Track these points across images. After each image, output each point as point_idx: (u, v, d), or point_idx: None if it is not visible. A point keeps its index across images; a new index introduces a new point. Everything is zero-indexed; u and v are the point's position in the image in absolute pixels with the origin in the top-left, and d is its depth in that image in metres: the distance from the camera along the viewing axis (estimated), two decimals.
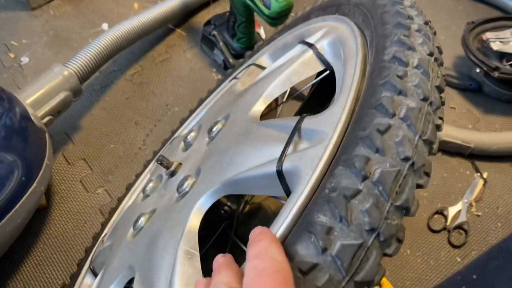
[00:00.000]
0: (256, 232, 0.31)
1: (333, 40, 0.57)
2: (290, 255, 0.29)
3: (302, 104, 0.81)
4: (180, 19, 1.29)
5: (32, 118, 0.78)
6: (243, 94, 0.65)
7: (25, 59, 1.15)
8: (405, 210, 0.32)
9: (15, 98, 0.78)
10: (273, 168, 0.39)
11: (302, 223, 0.31)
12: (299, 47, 0.63)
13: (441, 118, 0.39)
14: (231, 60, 1.10)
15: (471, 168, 0.98)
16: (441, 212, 0.90)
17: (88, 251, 0.75)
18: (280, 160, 0.39)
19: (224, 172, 0.47)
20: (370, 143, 0.33)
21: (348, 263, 0.29)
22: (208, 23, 1.16)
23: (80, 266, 0.72)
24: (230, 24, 1.06)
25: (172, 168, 0.62)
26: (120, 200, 0.80)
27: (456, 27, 1.30)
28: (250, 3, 0.93)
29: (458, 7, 1.39)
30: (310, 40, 0.61)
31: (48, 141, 0.79)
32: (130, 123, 1.04)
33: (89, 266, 0.69)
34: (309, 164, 0.36)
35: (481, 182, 0.95)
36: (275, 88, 0.58)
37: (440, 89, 0.40)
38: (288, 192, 0.38)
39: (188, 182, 0.54)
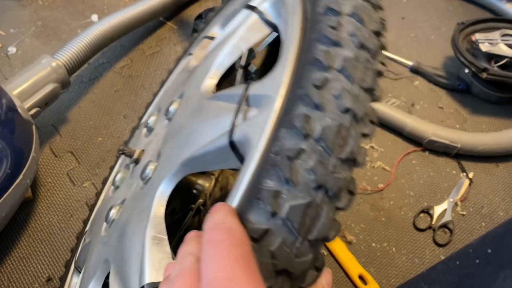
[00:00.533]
0: (213, 207, 0.31)
1: (274, 0, 0.55)
2: (243, 225, 0.29)
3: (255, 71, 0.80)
4: (171, 12, 1.28)
5: (19, 109, 0.77)
6: (196, 69, 0.63)
7: (12, 49, 1.13)
8: (352, 161, 0.31)
9: (1, 89, 0.77)
10: (225, 141, 0.38)
11: (252, 191, 0.31)
12: (244, 12, 0.60)
13: (382, 63, 0.37)
14: None
15: (457, 167, 0.99)
16: (427, 211, 0.91)
17: (73, 251, 0.74)
18: (231, 131, 0.38)
19: (181, 152, 0.46)
20: (308, 100, 0.33)
21: (299, 223, 0.28)
22: (199, 17, 1.15)
23: (66, 266, 0.72)
24: None
25: (136, 156, 0.61)
26: (97, 195, 0.80)
27: (446, 27, 1.31)
28: None
29: (449, 8, 1.39)
30: (253, 3, 0.58)
31: (35, 133, 0.78)
32: (118, 116, 1.03)
33: (74, 265, 0.68)
34: (257, 131, 0.35)
35: (466, 181, 0.96)
36: (225, 58, 0.56)
37: (378, 34, 0.39)
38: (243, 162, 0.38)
39: (150, 168, 0.53)
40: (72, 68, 0.93)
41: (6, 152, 0.68)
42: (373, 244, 0.87)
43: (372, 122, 0.34)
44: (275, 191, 0.29)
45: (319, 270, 0.30)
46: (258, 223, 0.28)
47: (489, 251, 0.62)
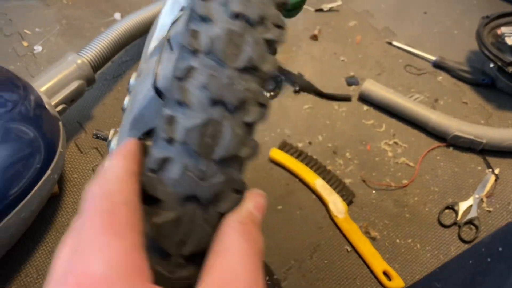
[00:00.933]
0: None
1: None
2: (146, 160, 0.28)
3: None
4: None
5: (47, 106, 0.78)
6: (147, 36, 0.61)
7: (38, 48, 1.16)
8: (253, 70, 0.28)
9: (30, 85, 0.78)
10: (152, 91, 0.36)
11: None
12: None
13: None
14: None
15: (482, 163, 0.98)
16: (451, 207, 0.90)
17: None
18: (154, 78, 0.35)
19: (128, 118, 0.44)
20: (194, 15, 0.30)
21: (198, 144, 0.26)
22: None
23: None
24: None
25: (110, 138, 0.60)
26: None
27: (470, 21, 1.29)
28: None
29: (473, 1, 1.37)
30: None
31: (61, 129, 0.80)
32: None
33: None
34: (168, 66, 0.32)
35: (492, 177, 0.95)
36: (165, 18, 0.52)
37: None
38: None
39: (113, 142, 0.53)
40: (97, 65, 0.95)
41: (40, 147, 0.70)
42: (397, 241, 0.87)
43: (277, 26, 0.31)
44: (169, 116, 0.27)
45: (239, 192, 0.28)
46: (156, 153, 0.27)
47: (500, 249, 0.61)
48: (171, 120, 0.27)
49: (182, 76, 0.28)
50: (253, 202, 0.29)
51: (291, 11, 0.92)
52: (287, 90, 1.09)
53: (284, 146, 0.97)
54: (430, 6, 1.35)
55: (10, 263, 0.79)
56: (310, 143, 1.00)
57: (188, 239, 0.26)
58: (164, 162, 0.27)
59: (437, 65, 1.17)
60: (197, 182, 0.26)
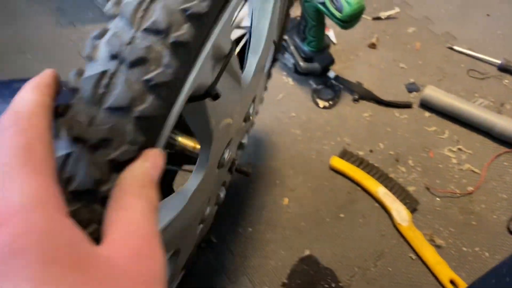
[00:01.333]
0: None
1: None
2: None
3: None
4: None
5: None
6: None
7: None
8: (159, 32, 0.30)
9: None
10: None
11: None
12: None
13: None
14: (301, 63, 1.13)
15: None
16: None
17: None
18: None
19: None
20: None
21: (90, 92, 0.28)
22: None
23: None
24: (301, 29, 1.09)
25: None
26: None
27: None
28: (321, 7, 0.95)
29: None
30: None
31: None
32: None
33: None
34: None
35: None
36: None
37: None
38: None
39: None
40: None
41: None
42: (464, 249, 0.85)
43: None
44: (79, 70, 0.29)
45: (133, 143, 0.29)
46: (62, 100, 0.29)
47: None
48: (79, 72, 0.30)
49: (98, 36, 0.31)
50: (150, 162, 0.29)
51: (349, 22, 0.94)
52: (346, 98, 1.11)
53: (345, 154, 0.99)
54: (493, 8, 1.31)
55: None
56: (371, 151, 1.00)
57: (75, 177, 0.28)
58: (67, 108, 0.29)
59: (503, 69, 1.13)
60: (85, 127, 0.28)
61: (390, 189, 0.92)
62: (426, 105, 1.06)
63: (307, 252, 0.86)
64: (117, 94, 0.28)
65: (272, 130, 1.06)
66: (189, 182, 0.48)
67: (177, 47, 0.31)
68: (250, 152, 1.00)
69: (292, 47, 1.14)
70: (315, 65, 1.12)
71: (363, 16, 1.27)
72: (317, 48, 1.10)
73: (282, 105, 1.10)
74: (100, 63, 0.29)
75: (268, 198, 0.94)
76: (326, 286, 0.82)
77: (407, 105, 1.08)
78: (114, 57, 0.29)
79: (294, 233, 0.89)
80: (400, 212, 0.88)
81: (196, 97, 0.38)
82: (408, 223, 0.87)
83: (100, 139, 0.28)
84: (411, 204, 0.90)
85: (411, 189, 0.93)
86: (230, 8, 0.38)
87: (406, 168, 0.97)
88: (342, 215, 0.91)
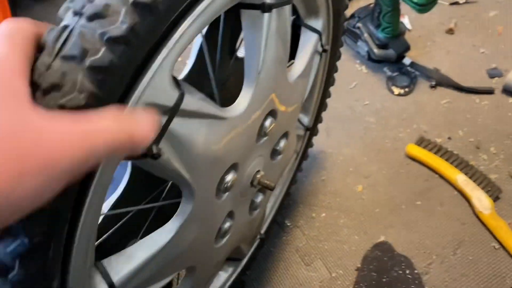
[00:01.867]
0: None
1: None
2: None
3: None
4: None
5: None
6: None
7: None
8: None
9: None
10: None
11: None
12: None
13: None
14: (375, 50, 1.11)
15: None
16: None
17: None
18: None
19: None
20: None
21: (51, 44, 0.30)
22: (352, 16, 1.18)
23: None
24: (375, 15, 1.08)
25: None
26: None
27: None
28: None
29: None
30: None
31: None
32: None
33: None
34: None
35: None
36: None
37: None
38: None
39: None
40: None
41: None
42: None
43: None
44: (63, 26, 0.32)
45: (81, 91, 0.30)
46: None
47: None
48: (64, 29, 0.32)
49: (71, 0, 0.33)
50: (146, 120, 0.31)
51: (426, 5, 0.91)
52: (423, 85, 1.08)
53: (422, 142, 0.96)
54: None
55: None
56: (449, 138, 0.97)
57: None
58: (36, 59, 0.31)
59: None
60: (43, 72, 0.30)
61: (471, 177, 0.89)
62: (510, 91, 1.01)
63: (382, 238, 0.85)
64: (71, 44, 0.30)
65: (346, 118, 1.05)
66: (172, 220, 0.48)
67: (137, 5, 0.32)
68: (323, 139, 1.01)
69: (366, 34, 1.13)
70: (390, 52, 1.10)
71: (440, 1, 1.22)
72: (392, 34, 1.08)
73: (356, 93, 1.10)
74: (65, 20, 0.32)
75: (341, 184, 0.94)
76: (400, 272, 0.80)
77: (488, 91, 1.03)
78: (76, 13, 0.32)
79: (369, 219, 0.89)
80: (481, 200, 0.85)
81: (135, 158, 0.37)
82: (491, 211, 0.83)
83: (51, 84, 0.30)
84: (493, 192, 0.87)
85: (493, 177, 0.89)
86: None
87: (487, 155, 0.93)
88: (418, 203, 0.89)
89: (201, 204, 0.49)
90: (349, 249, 0.85)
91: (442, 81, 1.06)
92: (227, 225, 0.59)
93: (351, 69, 1.16)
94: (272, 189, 0.59)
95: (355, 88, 1.11)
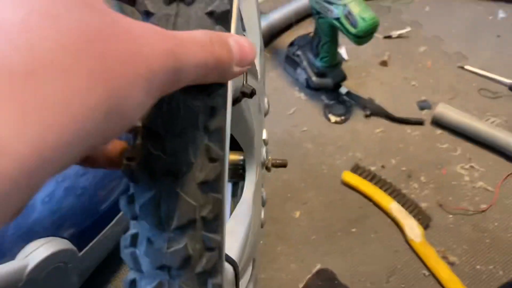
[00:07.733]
0: None
1: None
2: None
3: None
4: (265, 41, 1.34)
5: None
6: None
7: None
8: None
9: None
10: None
11: None
12: None
13: None
14: (314, 78, 1.13)
15: None
16: None
17: None
18: None
19: None
20: None
21: None
22: (291, 44, 1.20)
23: None
24: (314, 44, 1.10)
25: None
26: None
27: None
28: (336, 23, 0.97)
29: None
30: None
31: None
32: None
33: None
34: None
35: None
36: None
37: None
38: None
39: None
40: None
41: None
42: (478, 267, 0.84)
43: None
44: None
45: None
46: None
47: None
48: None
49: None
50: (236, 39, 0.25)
51: (363, 37, 0.95)
52: (358, 114, 1.11)
53: (357, 169, 0.99)
54: (503, 29, 1.32)
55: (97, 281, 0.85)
56: (383, 166, 1.00)
57: None
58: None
59: None
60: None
61: (403, 205, 0.91)
62: (438, 123, 1.07)
63: (318, 266, 0.85)
64: None
65: (284, 143, 1.06)
66: (245, 191, 0.49)
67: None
68: None
69: (305, 62, 1.15)
70: (328, 81, 1.13)
71: (375, 34, 1.28)
72: (330, 64, 1.11)
73: (294, 119, 1.11)
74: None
75: (280, 211, 0.94)
76: None
77: (419, 122, 1.08)
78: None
79: (306, 247, 0.88)
80: (413, 228, 0.88)
81: (236, 100, 0.36)
82: (421, 239, 0.86)
83: None
84: (423, 220, 0.90)
85: (423, 205, 0.93)
86: None
87: (418, 184, 0.97)
88: (354, 230, 0.90)
89: (258, 173, 0.50)
90: (286, 277, 0.84)
91: (376, 111, 1.10)
92: (263, 213, 0.59)
93: (290, 95, 1.17)
94: (285, 166, 0.66)
95: (294, 114, 1.12)
